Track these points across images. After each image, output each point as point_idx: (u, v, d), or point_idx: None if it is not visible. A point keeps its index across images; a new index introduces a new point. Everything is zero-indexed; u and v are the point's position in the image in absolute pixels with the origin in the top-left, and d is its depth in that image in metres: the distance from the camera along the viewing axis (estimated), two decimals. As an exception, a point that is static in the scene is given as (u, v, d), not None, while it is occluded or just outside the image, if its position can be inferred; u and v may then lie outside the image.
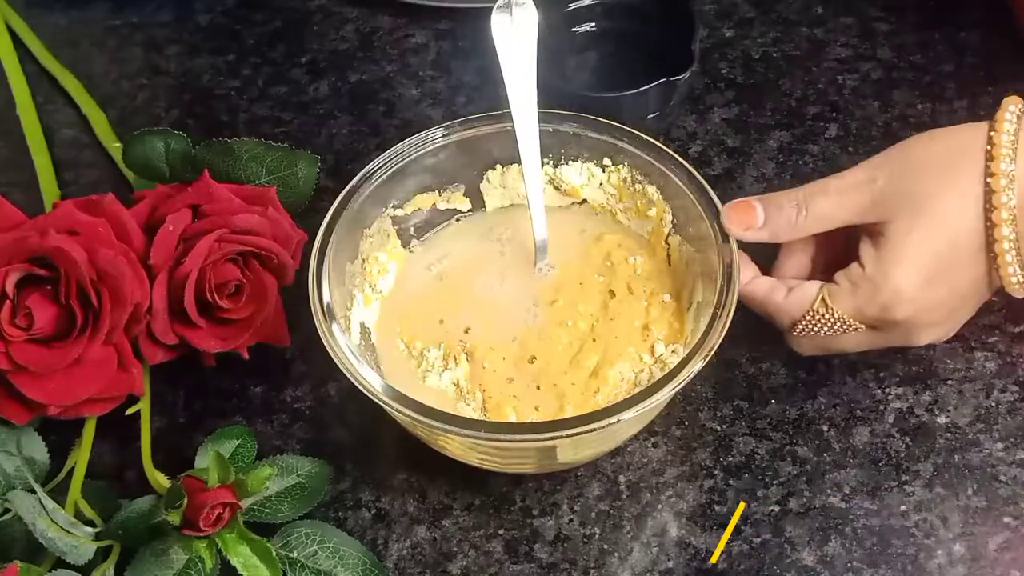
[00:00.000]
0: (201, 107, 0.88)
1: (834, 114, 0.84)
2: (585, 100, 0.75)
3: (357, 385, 0.60)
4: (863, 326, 0.63)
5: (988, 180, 0.60)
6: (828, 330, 0.63)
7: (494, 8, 0.67)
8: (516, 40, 0.66)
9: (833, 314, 0.62)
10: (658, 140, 0.69)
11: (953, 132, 0.63)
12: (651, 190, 0.70)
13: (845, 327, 0.63)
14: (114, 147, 0.82)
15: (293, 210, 0.72)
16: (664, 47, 0.79)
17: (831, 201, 0.62)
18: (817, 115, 0.84)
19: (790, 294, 0.64)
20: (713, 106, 0.85)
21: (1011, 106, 0.61)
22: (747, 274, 0.65)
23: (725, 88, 0.86)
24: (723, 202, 0.65)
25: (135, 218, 0.68)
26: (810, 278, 0.66)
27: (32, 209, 0.69)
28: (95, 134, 0.85)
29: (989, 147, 0.60)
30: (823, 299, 0.63)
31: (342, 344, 0.61)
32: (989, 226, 0.60)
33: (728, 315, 0.61)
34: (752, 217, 0.64)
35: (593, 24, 0.84)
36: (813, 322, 0.63)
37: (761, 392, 0.70)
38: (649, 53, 0.80)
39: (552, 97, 0.76)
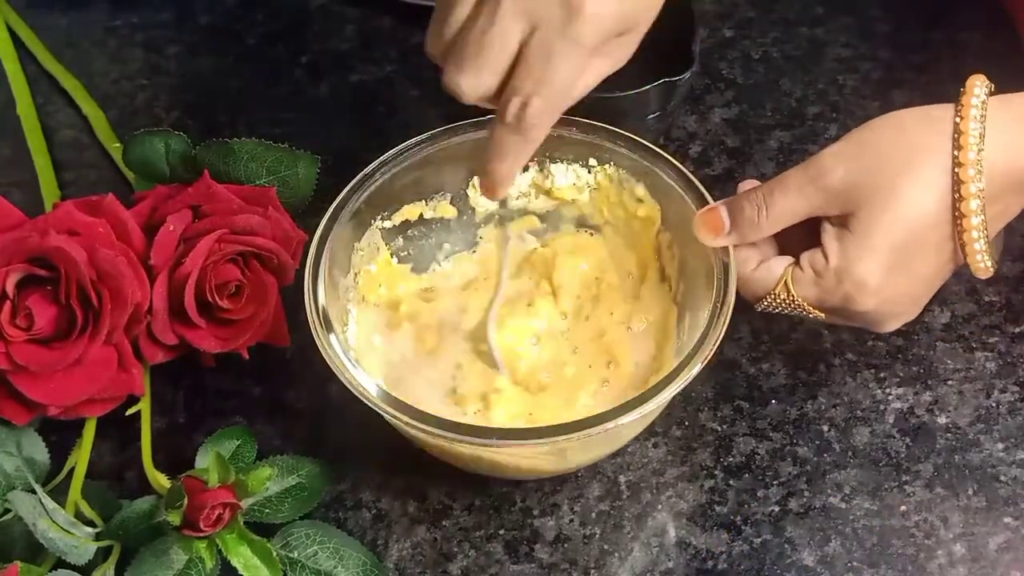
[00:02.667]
0: (201, 107, 0.88)
1: (834, 114, 0.84)
2: (585, 100, 0.75)
3: (356, 394, 0.60)
4: (823, 315, 0.62)
5: (956, 170, 0.58)
6: (788, 312, 0.63)
7: None
8: None
9: (794, 300, 0.62)
10: (658, 140, 0.69)
11: (916, 118, 0.60)
12: (639, 189, 0.70)
13: (805, 313, 0.62)
14: (114, 147, 0.82)
15: (293, 210, 0.72)
16: (664, 47, 0.78)
17: (790, 198, 0.61)
18: (817, 115, 0.84)
19: (757, 269, 0.63)
20: (713, 106, 0.85)
21: (976, 88, 0.59)
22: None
23: (725, 88, 0.86)
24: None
25: (135, 218, 0.68)
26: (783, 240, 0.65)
27: (32, 209, 0.69)
28: (95, 134, 0.85)
29: (956, 135, 0.58)
30: (785, 283, 0.62)
31: (339, 353, 0.61)
32: (958, 215, 0.59)
33: (727, 312, 0.61)
34: (718, 223, 0.63)
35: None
36: (775, 303, 0.63)
37: (761, 392, 0.70)
38: (649, 53, 0.80)
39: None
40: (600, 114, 0.76)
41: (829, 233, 0.61)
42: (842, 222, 0.60)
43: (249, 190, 0.71)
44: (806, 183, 0.60)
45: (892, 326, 0.63)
